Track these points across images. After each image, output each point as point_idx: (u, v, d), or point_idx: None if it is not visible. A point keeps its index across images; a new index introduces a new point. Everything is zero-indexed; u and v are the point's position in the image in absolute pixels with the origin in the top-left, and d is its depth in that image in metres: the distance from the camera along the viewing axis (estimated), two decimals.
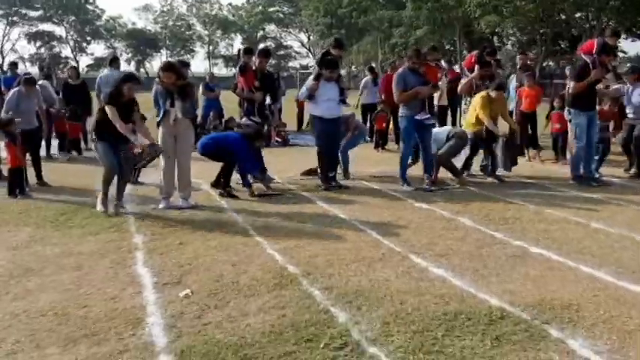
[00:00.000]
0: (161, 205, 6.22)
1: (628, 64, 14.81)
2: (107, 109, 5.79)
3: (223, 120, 12.60)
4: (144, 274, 4.25)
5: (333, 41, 8.26)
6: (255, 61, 7.78)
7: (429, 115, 7.33)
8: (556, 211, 6.06)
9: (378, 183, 7.71)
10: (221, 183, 6.91)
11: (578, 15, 29.01)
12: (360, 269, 4.28)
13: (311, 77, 7.59)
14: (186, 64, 7.29)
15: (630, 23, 25.71)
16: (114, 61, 11.73)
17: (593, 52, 7.38)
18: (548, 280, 4.01)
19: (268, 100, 8.00)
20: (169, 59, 9.08)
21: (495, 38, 37.95)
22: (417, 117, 7.16)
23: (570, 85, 7.60)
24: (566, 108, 7.86)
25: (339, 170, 7.77)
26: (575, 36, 30.57)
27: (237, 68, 7.95)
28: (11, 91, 7.82)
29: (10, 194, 6.74)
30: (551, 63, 35.34)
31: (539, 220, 5.72)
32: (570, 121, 7.66)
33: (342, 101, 7.44)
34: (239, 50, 8.84)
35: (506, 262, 4.42)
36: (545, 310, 3.48)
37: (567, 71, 10.86)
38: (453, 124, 10.91)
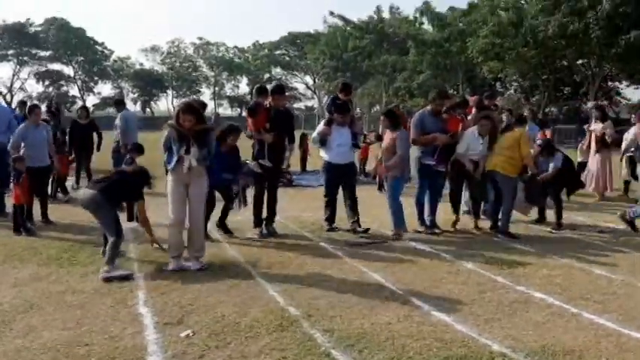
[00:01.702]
0: (170, 267, 5.45)
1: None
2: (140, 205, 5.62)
3: None
4: (145, 314, 4.25)
5: (340, 85, 8.20)
6: (268, 100, 7.18)
7: (435, 162, 7.15)
8: (559, 256, 6.06)
9: (378, 224, 7.65)
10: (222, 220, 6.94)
11: (580, 62, 29.43)
12: (362, 312, 4.28)
13: (322, 122, 7.52)
14: (204, 105, 7.20)
15: (632, 70, 26.03)
16: (120, 103, 11.81)
17: None
18: (550, 326, 4.00)
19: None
20: (190, 99, 8.27)
21: (498, 83, 38.51)
22: (424, 161, 7.18)
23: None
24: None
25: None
26: (578, 82, 30.99)
27: (247, 108, 7.45)
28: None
29: (16, 231, 6.79)
30: (553, 109, 35.70)
31: (542, 265, 5.72)
32: None
33: (355, 145, 7.36)
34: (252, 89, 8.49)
35: (509, 308, 4.41)
36: (547, 356, 3.47)
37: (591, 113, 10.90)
38: None
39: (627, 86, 31.60)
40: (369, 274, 5.33)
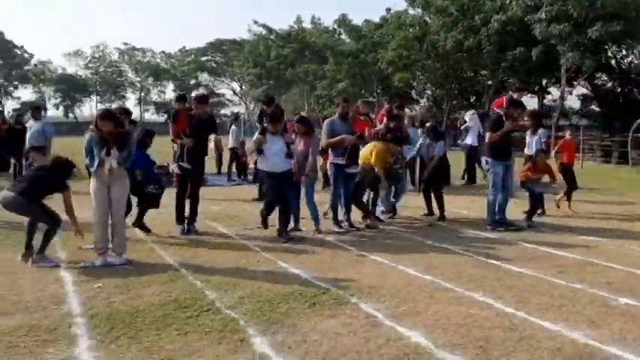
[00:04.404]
0: (97, 263, 5.91)
1: None
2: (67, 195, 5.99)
3: None
4: (66, 276, 5.46)
5: (265, 99, 8.92)
6: (192, 107, 7.82)
7: (345, 162, 7.74)
8: (407, 234, 7.73)
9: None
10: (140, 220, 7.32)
11: (483, 72, 32.20)
12: (238, 271, 5.66)
13: (257, 133, 7.82)
14: (128, 112, 7.70)
15: (521, 80, 28.91)
16: (39, 110, 12.54)
17: (504, 106, 8.35)
18: (371, 274, 5.57)
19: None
20: (107, 107, 8.72)
21: (413, 92, 41.07)
22: (335, 161, 7.78)
23: (486, 136, 8.16)
24: (483, 157, 8.40)
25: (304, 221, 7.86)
26: (480, 92, 33.78)
27: (168, 115, 8.15)
28: None
29: None
30: (457, 116, 38.61)
31: (389, 238, 7.35)
32: (488, 170, 8.12)
33: (289, 155, 7.43)
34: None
35: (348, 264, 5.96)
36: (355, 289, 5.01)
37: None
38: None
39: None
40: (249, 246, 6.76)
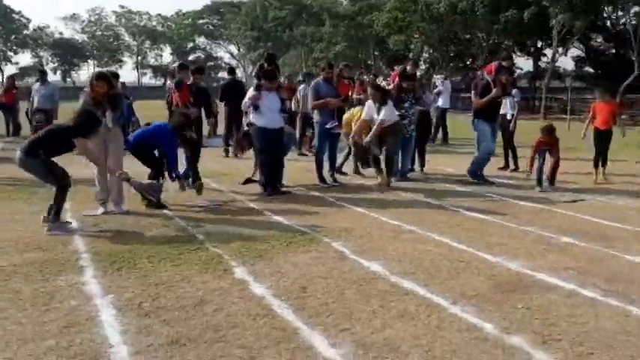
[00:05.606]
0: (99, 211, 6.46)
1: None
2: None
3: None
4: (72, 223, 6.09)
5: (266, 55, 9.26)
6: (189, 76, 8.29)
7: (336, 124, 8.28)
8: (409, 192, 8.36)
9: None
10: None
11: (479, 35, 32.39)
12: (226, 218, 6.34)
13: (251, 89, 7.98)
14: (116, 76, 7.87)
15: (515, 42, 29.17)
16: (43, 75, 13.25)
17: (492, 73, 8.96)
18: (345, 220, 6.22)
19: None
20: (100, 69, 9.24)
21: (410, 54, 41.22)
22: (326, 126, 8.26)
23: (474, 100, 8.95)
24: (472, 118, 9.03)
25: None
26: (475, 54, 34.01)
27: (173, 84, 8.41)
28: None
29: None
30: (454, 78, 38.84)
31: (369, 192, 7.99)
32: (475, 129, 8.86)
33: (283, 111, 7.80)
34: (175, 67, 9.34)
35: (327, 213, 6.61)
36: (329, 231, 5.66)
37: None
38: None
39: (520, 56, 34.89)
40: (258, 210, 7.38)
